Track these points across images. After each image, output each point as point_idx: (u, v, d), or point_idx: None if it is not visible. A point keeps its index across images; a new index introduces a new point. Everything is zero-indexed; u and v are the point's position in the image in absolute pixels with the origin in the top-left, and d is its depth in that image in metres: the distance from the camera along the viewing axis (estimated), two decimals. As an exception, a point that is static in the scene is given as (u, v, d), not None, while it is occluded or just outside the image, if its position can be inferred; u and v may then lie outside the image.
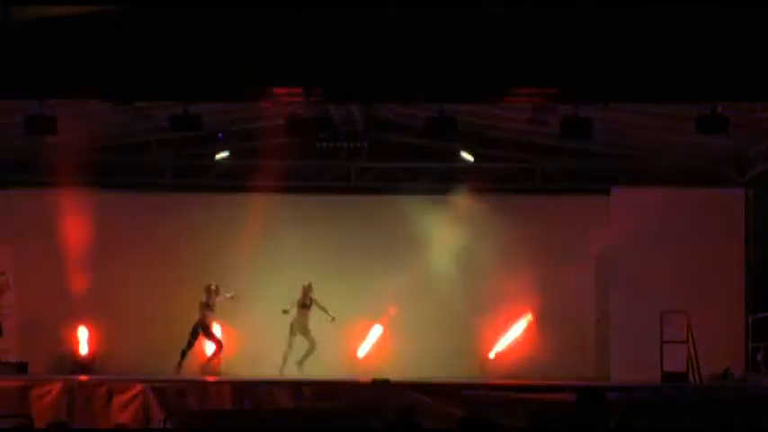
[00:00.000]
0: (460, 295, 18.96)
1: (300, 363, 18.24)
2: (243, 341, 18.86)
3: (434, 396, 15.16)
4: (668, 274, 18.27)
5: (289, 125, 15.87)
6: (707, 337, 16.65)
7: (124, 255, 19.15)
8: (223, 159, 19.89)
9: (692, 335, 16.35)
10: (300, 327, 18.48)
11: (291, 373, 17.71)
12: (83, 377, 16.49)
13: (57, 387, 15.24)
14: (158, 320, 18.93)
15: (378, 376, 16.07)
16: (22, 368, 17.88)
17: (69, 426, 11.17)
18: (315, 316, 18.49)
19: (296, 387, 15.36)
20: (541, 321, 18.90)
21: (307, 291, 18.55)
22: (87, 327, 18.96)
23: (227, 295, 18.48)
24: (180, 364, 17.97)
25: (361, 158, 19.78)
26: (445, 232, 19.45)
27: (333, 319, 18.30)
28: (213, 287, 18.47)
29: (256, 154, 19.51)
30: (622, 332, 18.31)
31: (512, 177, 19.66)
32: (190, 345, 18.32)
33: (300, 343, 18.47)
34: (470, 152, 19.66)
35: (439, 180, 19.76)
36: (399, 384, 15.88)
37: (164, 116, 16.49)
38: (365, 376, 16.40)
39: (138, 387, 15.29)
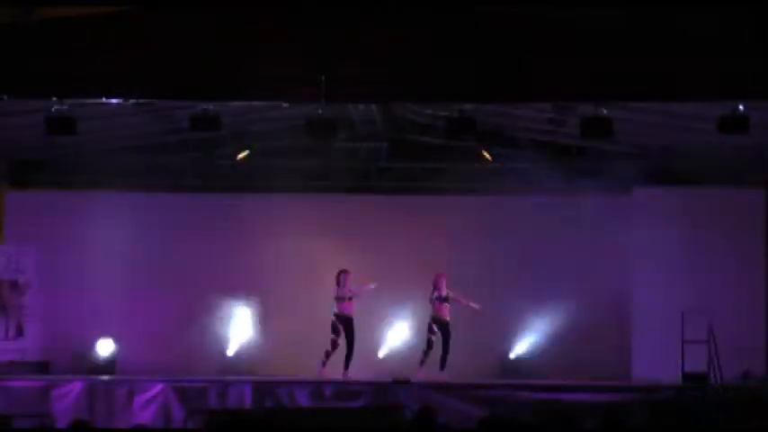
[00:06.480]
0: (480, 295, 18.90)
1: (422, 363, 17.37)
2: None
3: (455, 396, 15.17)
4: (689, 274, 18.22)
5: (308, 125, 15.84)
6: (728, 337, 16.58)
7: (146, 255, 19.16)
8: (244, 158, 19.86)
9: (713, 335, 16.29)
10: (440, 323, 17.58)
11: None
12: (104, 377, 16.55)
13: (77, 387, 15.31)
14: (179, 321, 18.94)
15: (398, 376, 16.06)
16: (43, 368, 17.93)
17: (90, 425, 11.18)
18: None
19: (316, 387, 15.37)
20: (562, 321, 18.82)
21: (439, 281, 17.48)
22: (108, 327, 18.95)
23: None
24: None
25: (380, 159, 19.74)
26: (464, 232, 19.41)
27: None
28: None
29: (275, 154, 19.50)
30: (643, 332, 18.26)
31: (532, 177, 19.57)
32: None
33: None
34: (489, 152, 19.62)
35: (458, 180, 19.70)
36: (420, 384, 15.88)
37: (183, 116, 16.50)
38: (386, 376, 16.39)
39: (159, 387, 15.34)
